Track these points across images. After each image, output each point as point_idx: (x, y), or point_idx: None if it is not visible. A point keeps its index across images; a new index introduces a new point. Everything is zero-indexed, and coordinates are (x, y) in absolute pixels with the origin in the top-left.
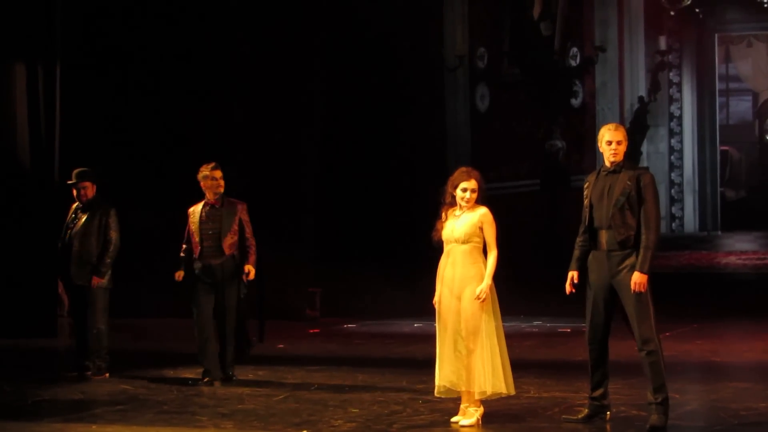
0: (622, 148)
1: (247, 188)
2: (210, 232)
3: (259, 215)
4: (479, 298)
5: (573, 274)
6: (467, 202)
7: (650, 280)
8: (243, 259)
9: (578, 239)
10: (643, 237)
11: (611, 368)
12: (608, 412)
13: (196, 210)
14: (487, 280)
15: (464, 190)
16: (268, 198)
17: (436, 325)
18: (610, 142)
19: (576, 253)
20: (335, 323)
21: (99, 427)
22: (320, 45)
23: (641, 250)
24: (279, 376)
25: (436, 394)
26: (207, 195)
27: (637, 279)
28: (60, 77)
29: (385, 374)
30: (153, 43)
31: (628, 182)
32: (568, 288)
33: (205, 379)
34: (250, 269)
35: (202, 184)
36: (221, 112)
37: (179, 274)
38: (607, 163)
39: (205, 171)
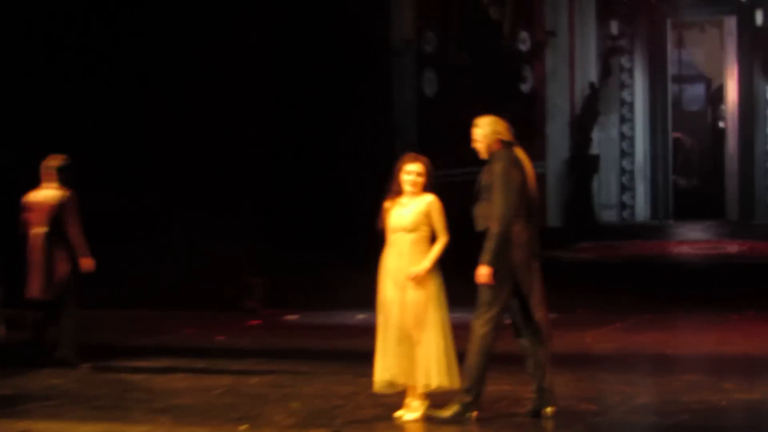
0: (479, 145)
1: (187, 173)
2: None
3: (198, 202)
4: (410, 277)
5: None
6: (413, 186)
7: (499, 274)
8: None
9: None
10: (489, 228)
11: (562, 361)
12: (550, 406)
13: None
14: (427, 262)
15: (409, 172)
16: (206, 185)
17: (378, 316)
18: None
19: None
20: (276, 314)
21: (28, 423)
22: (259, 28)
23: (485, 242)
24: (217, 369)
25: (375, 389)
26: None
27: (477, 270)
28: None
29: (327, 367)
30: (100, 30)
31: (486, 171)
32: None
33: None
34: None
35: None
36: (161, 97)
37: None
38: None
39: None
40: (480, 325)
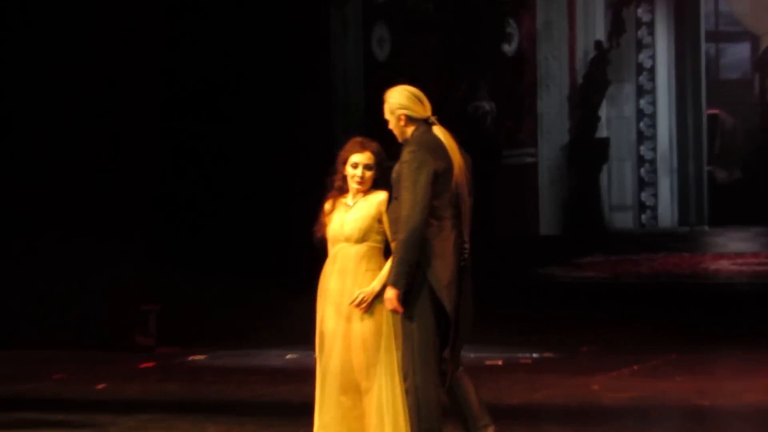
0: (390, 125)
1: (61, 173)
2: None
3: (73, 212)
4: (354, 303)
5: None
6: (360, 182)
7: (416, 299)
8: None
9: None
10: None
11: (561, 416)
12: None
13: None
14: (377, 283)
15: (355, 165)
16: (85, 190)
17: (316, 356)
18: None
19: None
20: (176, 354)
21: None
22: None
23: (392, 254)
24: (98, 426)
25: None
26: None
27: (385, 295)
28: None
29: (245, 424)
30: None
31: (397, 162)
32: None
33: None
34: None
35: None
36: (48, 91)
37: None
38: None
39: None
40: (412, 372)
